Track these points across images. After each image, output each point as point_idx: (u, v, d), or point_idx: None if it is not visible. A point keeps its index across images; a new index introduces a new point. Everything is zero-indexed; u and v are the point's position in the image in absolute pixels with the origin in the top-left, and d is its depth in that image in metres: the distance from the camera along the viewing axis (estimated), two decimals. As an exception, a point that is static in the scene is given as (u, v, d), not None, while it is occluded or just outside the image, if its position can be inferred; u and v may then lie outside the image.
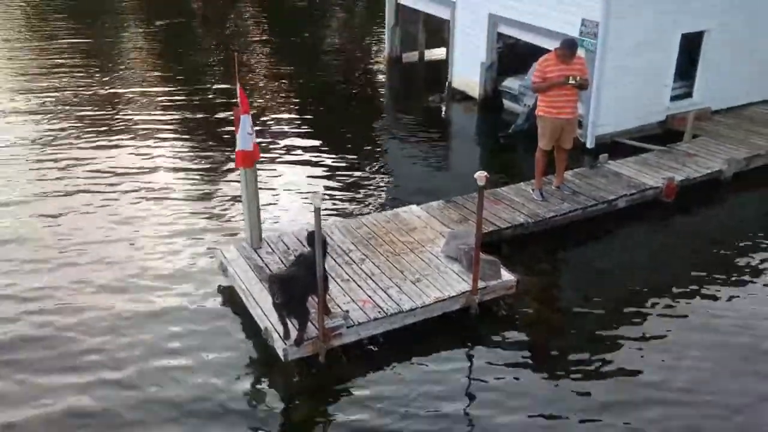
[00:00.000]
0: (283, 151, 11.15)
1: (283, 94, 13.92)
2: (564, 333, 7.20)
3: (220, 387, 6.27)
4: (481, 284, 7.09)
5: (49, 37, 17.91)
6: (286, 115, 12.76)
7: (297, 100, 13.51)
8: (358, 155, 11.24)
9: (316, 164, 10.74)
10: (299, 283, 6.19)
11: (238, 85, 7.04)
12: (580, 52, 9.42)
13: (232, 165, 10.61)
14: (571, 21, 10.63)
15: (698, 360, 6.67)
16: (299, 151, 11.18)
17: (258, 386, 6.44)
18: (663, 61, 11.12)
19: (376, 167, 10.95)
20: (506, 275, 7.33)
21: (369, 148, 11.83)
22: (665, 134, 11.39)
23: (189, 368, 6.49)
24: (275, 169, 10.47)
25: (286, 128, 12.16)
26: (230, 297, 7.46)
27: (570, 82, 8.35)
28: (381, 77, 15.64)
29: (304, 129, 12.02)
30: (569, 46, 8.42)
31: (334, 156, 11.06)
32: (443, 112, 13.69)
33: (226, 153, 10.91)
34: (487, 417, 5.98)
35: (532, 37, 11.69)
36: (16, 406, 6.02)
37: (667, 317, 7.30)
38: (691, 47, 11.46)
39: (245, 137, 7.16)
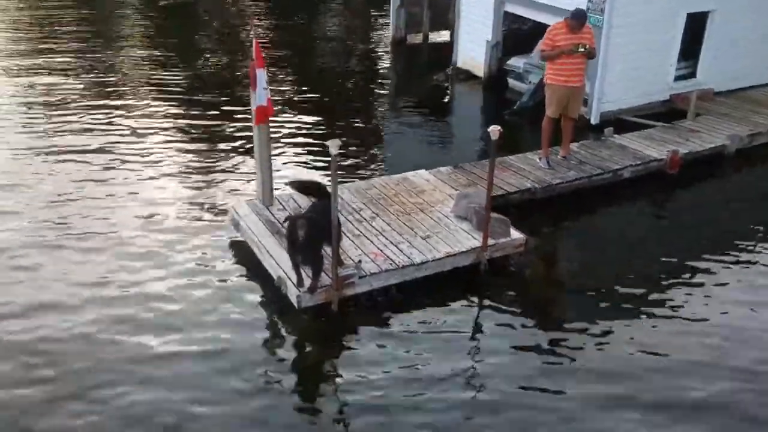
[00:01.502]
0: (289, 126, 11.21)
1: (287, 75, 13.96)
2: (567, 293, 7.34)
3: (232, 337, 6.36)
4: (490, 241, 7.20)
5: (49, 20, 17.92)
6: (290, 95, 12.80)
7: (301, 80, 13.54)
8: (363, 130, 11.35)
9: (320, 137, 10.80)
10: (317, 227, 6.28)
11: (254, 41, 7.14)
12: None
13: (237, 126, 10.79)
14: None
15: (698, 328, 6.67)
16: (305, 127, 11.21)
17: (271, 335, 6.55)
18: (668, 40, 11.24)
19: (381, 142, 11.06)
20: (515, 233, 7.45)
21: (374, 123, 11.93)
22: (668, 113, 11.49)
23: (203, 319, 6.56)
24: (281, 143, 10.56)
25: (290, 107, 12.22)
26: (241, 251, 7.55)
27: (579, 50, 8.48)
28: (385, 58, 15.72)
29: (309, 106, 12.04)
30: (579, 15, 8.53)
31: (339, 130, 11.13)
32: (448, 91, 13.78)
33: (234, 116, 11.04)
34: (490, 371, 6.05)
35: (539, 15, 11.80)
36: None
37: (668, 285, 7.36)
38: (696, 28, 11.59)
39: (261, 92, 7.25)
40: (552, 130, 9.16)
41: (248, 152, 10.04)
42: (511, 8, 12.55)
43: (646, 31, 10.89)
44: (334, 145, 6.02)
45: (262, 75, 7.18)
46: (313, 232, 6.22)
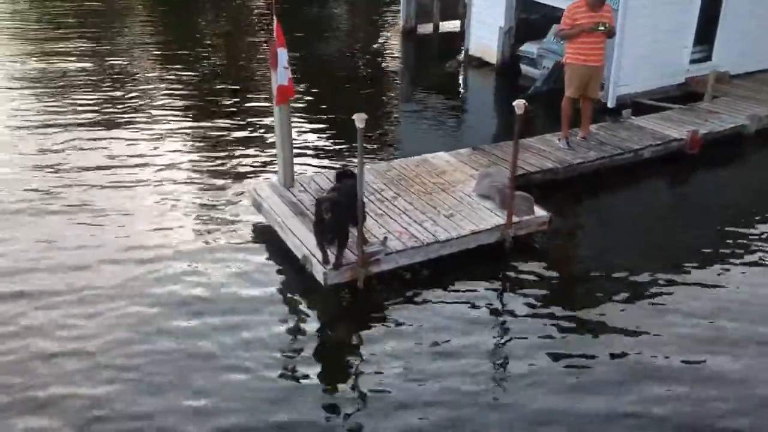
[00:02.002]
0: (301, 112, 11.16)
1: (299, 64, 13.93)
2: (590, 272, 7.22)
3: (258, 316, 6.31)
4: (514, 219, 7.15)
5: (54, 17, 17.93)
6: (300, 82, 12.76)
7: (311, 68, 13.48)
8: (376, 117, 11.24)
9: (333, 123, 10.76)
10: (343, 206, 6.25)
11: (274, 19, 7.09)
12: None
13: (249, 110, 10.77)
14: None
15: (716, 312, 6.55)
16: (317, 114, 11.13)
17: (297, 312, 6.50)
18: (683, 22, 11.18)
19: (396, 127, 11.02)
20: (539, 211, 7.39)
21: (387, 109, 11.88)
22: (685, 96, 11.43)
23: (227, 298, 6.51)
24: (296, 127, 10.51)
25: (300, 96, 12.18)
26: (263, 232, 7.52)
27: (600, 28, 8.42)
28: (396, 47, 15.66)
29: (320, 94, 11.98)
30: (599, -7, 8.49)
31: (350, 118, 11.06)
32: (460, 77, 13.73)
33: (248, 103, 11.00)
34: (513, 351, 6.00)
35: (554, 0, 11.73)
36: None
37: (690, 265, 7.23)
38: (711, 10, 11.51)
39: (282, 72, 7.21)
40: (572, 111, 9.11)
41: (263, 136, 10.13)
42: (523, -7, 12.52)
43: (661, 12, 10.83)
44: (360, 119, 5.98)
45: (283, 54, 7.13)
46: (339, 211, 6.21)
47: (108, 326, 6.11)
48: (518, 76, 12.84)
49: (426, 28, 16.42)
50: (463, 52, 14.11)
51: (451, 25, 16.53)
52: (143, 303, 6.42)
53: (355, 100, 11.78)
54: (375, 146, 9.94)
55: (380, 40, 16.25)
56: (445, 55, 14.61)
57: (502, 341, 6.14)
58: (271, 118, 10.59)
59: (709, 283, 6.93)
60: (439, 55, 15.11)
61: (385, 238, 6.70)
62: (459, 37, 15.31)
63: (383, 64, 14.42)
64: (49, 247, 7.24)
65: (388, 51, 15.39)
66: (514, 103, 6.56)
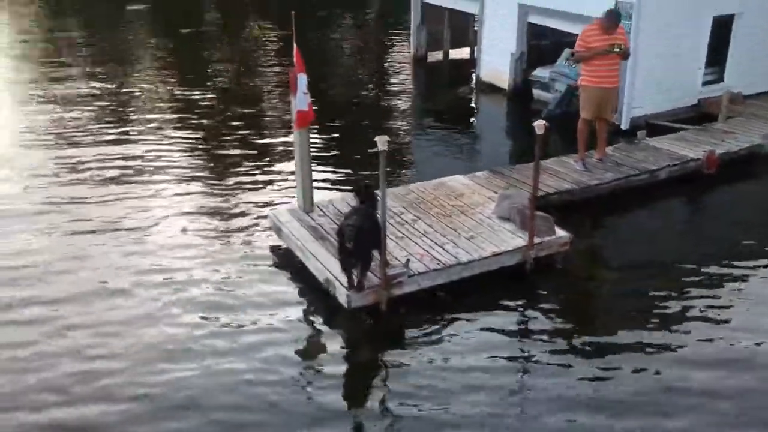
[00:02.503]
0: (316, 138, 11.24)
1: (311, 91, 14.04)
2: (613, 295, 7.16)
3: (282, 338, 6.28)
4: (535, 240, 7.13)
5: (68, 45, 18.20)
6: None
7: (323, 96, 13.61)
8: (390, 141, 11.25)
9: (347, 147, 10.81)
10: (366, 230, 6.26)
11: (294, 45, 7.17)
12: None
13: (264, 137, 10.83)
14: (605, 3, 10.75)
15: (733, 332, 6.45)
16: (330, 140, 11.23)
17: (320, 336, 6.48)
18: (695, 43, 11.25)
19: (410, 152, 11.08)
20: (560, 232, 7.37)
21: (401, 134, 11.91)
22: (698, 118, 11.44)
23: (250, 323, 6.49)
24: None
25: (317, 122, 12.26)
26: (282, 257, 7.55)
27: (615, 50, 8.48)
28: (407, 74, 15.79)
29: (334, 121, 12.06)
30: (613, 15, 8.56)
31: (364, 144, 11.11)
32: (472, 103, 13.80)
33: (262, 129, 11.07)
34: (537, 371, 5.92)
35: (563, 24, 11.84)
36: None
37: (713, 288, 7.12)
38: (722, 31, 11.59)
39: (302, 97, 7.28)
40: (588, 133, 9.13)
41: (278, 161, 10.25)
42: (534, 19, 12.61)
43: (673, 34, 10.91)
44: (382, 141, 6.02)
45: (302, 79, 7.21)
46: (362, 237, 6.21)
47: (132, 346, 6.11)
48: (530, 101, 12.90)
49: (436, 56, 16.57)
50: (474, 77, 14.22)
51: (461, 53, 16.68)
52: (165, 324, 6.43)
53: (367, 126, 11.85)
54: (391, 170, 9.95)
55: (391, 67, 16.39)
56: (456, 81, 14.75)
57: (526, 362, 6.07)
58: (282, 147, 10.95)
59: (726, 303, 6.84)
60: (450, 81, 15.25)
61: (408, 260, 6.69)
62: (469, 64, 15.50)
63: (395, 91, 14.52)
64: (69, 269, 7.30)
65: (399, 77, 15.51)
66: (534, 124, 6.59)
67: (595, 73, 8.70)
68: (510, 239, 7.22)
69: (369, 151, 10.29)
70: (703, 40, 11.32)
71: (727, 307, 6.78)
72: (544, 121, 6.57)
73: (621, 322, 6.57)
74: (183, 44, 18.62)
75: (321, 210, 7.88)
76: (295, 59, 7.18)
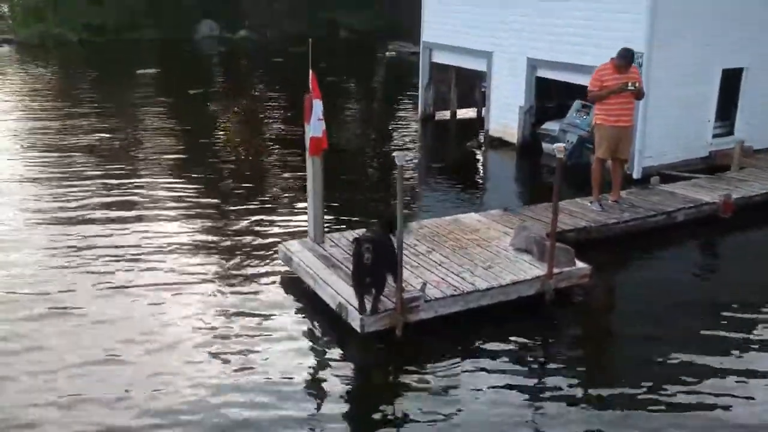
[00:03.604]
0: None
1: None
2: (631, 333, 6.79)
3: (294, 365, 6.01)
4: (555, 270, 6.90)
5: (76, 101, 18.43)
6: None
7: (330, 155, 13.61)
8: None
9: (357, 202, 10.73)
10: (382, 249, 6.05)
11: (310, 71, 7.14)
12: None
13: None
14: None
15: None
16: (341, 199, 11.01)
17: (333, 362, 6.16)
18: (705, 95, 11.31)
19: (418, 202, 10.94)
20: (581, 264, 7.15)
21: (409, 185, 11.82)
22: (709, 169, 11.37)
23: (261, 352, 6.20)
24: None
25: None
26: (293, 286, 7.31)
27: (629, 87, 8.47)
28: (415, 131, 15.85)
29: (343, 174, 12.02)
30: (626, 55, 8.59)
31: (373, 194, 11.09)
32: (481, 157, 13.79)
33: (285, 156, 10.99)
34: (552, 407, 5.56)
35: (571, 77, 11.93)
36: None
37: (732, 332, 6.72)
38: (732, 85, 11.67)
39: (316, 123, 7.20)
40: (602, 173, 9.04)
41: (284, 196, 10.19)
42: (544, 73, 12.74)
43: (683, 85, 10.97)
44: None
45: (318, 106, 7.14)
46: (379, 253, 6.01)
47: (138, 373, 5.82)
48: (540, 154, 12.86)
49: (443, 115, 16.70)
50: (483, 132, 14.26)
51: (468, 113, 16.81)
52: (176, 352, 6.16)
53: (376, 179, 11.80)
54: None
55: (399, 126, 16.46)
56: (464, 137, 14.78)
57: (540, 395, 5.71)
58: (290, 180, 10.92)
59: (743, 349, 6.44)
60: (458, 137, 15.29)
61: (424, 283, 6.44)
62: (477, 123, 15.59)
63: (402, 146, 14.54)
64: (78, 291, 7.05)
65: (407, 134, 15.55)
66: (553, 146, 6.51)
67: (609, 112, 8.67)
68: (528, 269, 7.00)
69: (377, 196, 10.40)
70: (712, 92, 11.38)
71: (745, 351, 6.38)
72: (563, 144, 6.46)
73: (637, 362, 6.22)
74: (191, 101, 18.84)
75: (332, 241, 7.68)
76: (311, 85, 7.14)
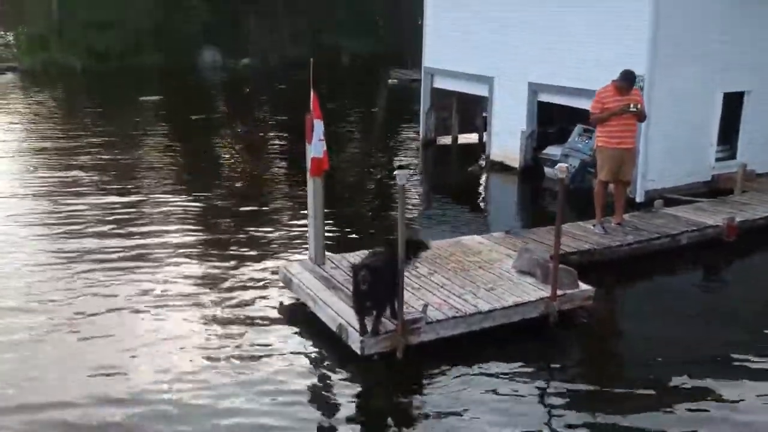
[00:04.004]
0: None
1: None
2: (635, 358, 6.67)
3: (294, 388, 5.88)
4: (558, 292, 6.80)
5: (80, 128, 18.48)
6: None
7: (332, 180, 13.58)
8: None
9: (359, 220, 10.66)
10: (382, 272, 5.97)
11: (311, 91, 7.12)
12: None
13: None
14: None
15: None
16: (342, 222, 10.97)
17: (332, 386, 6.03)
18: (707, 119, 11.31)
19: (420, 222, 10.89)
20: (584, 285, 7.06)
21: (411, 208, 11.78)
22: (712, 193, 11.32)
23: (260, 374, 6.08)
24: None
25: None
26: (293, 310, 7.21)
27: (631, 109, 8.45)
28: (417, 155, 15.85)
29: (346, 199, 12.04)
30: (628, 77, 8.58)
31: (375, 220, 11.03)
32: (483, 181, 13.74)
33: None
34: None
35: (575, 101, 11.92)
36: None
37: (741, 361, 6.57)
38: (733, 108, 11.67)
39: (317, 144, 7.16)
40: (605, 196, 9.00)
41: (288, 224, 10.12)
42: (544, 97, 12.75)
43: (685, 109, 10.99)
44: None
45: (319, 126, 7.11)
46: (378, 277, 5.93)
47: (147, 391, 5.73)
48: (542, 178, 12.82)
49: (445, 140, 16.70)
50: (484, 157, 14.24)
51: (470, 138, 16.81)
52: (174, 374, 6.04)
53: (377, 201, 11.76)
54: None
55: (400, 151, 16.48)
56: (466, 162, 14.75)
57: (544, 419, 5.58)
58: (291, 201, 10.88)
59: (748, 374, 6.29)
60: (460, 162, 15.28)
61: (426, 305, 6.35)
62: (478, 148, 15.55)
63: (406, 170, 14.48)
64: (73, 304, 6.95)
65: (409, 159, 15.57)
66: (556, 167, 6.45)
67: (611, 135, 8.64)
68: (532, 291, 6.91)
69: (379, 218, 10.35)
70: (714, 116, 11.38)
71: (750, 379, 6.22)
72: (566, 165, 6.41)
73: (643, 385, 6.04)
74: (193, 127, 18.91)
75: (333, 263, 7.60)
76: (312, 105, 7.11)
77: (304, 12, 35.71)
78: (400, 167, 13.55)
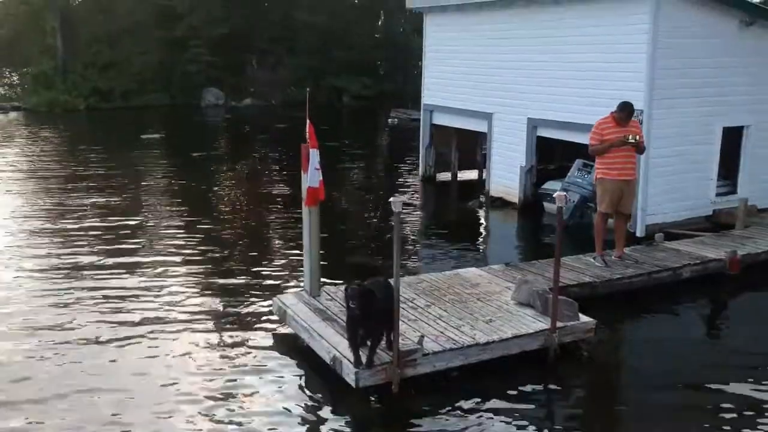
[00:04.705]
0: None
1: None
2: (639, 393, 6.44)
3: (285, 424, 5.70)
4: (559, 324, 6.65)
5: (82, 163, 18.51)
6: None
7: (330, 214, 13.56)
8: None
9: (356, 252, 10.54)
10: (377, 299, 5.83)
11: (308, 122, 7.08)
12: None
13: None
14: (615, 111, 10.89)
15: None
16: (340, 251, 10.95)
17: (325, 420, 5.84)
18: (706, 153, 11.24)
19: (418, 256, 10.77)
20: (585, 318, 6.90)
21: (409, 242, 11.67)
22: (713, 228, 11.19)
23: (253, 408, 5.92)
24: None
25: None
26: (285, 343, 7.06)
27: (630, 140, 8.39)
28: (416, 191, 15.77)
29: (345, 233, 11.98)
30: (627, 108, 8.55)
31: (375, 254, 10.91)
32: (482, 217, 13.64)
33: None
34: None
35: (574, 136, 11.88)
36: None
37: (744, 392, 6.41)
38: (733, 143, 11.63)
39: (313, 173, 7.09)
40: (605, 228, 8.88)
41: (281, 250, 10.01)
42: (543, 132, 12.73)
43: (684, 144, 10.93)
44: (397, 203, 5.74)
45: (314, 155, 7.05)
46: (373, 303, 5.79)
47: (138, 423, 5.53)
48: (541, 214, 12.73)
49: (444, 177, 16.65)
50: (484, 192, 14.18)
51: (469, 175, 16.77)
52: (165, 411, 5.86)
53: (374, 233, 11.67)
54: (401, 266, 9.58)
55: (400, 187, 16.40)
56: (465, 198, 14.69)
57: None
58: (288, 234, 10.81)
59: (752, 410, 6.07)
60: (459, 198, 15.21)
61: (422, 336, 6.19)
62: (478, 184, 15.49)
63: (404, 206, 14.44)
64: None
65: (408, 195, 15.49)
66: (554, 195, 6.36)
67: (611, 166, 8.56)
68: (531, 323, 6.75)
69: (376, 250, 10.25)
70: (714, 150, 11.31)
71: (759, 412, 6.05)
72: (564, 193, 6.33)
73: (645, 420, 5.91)
74: (194, 163, 18.93)
75: (328, 295, 7.47)
76: (308, 134, 7.06)
77: (306, 54, 36.14)
78: (397, 196, 13.50)
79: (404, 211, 13.71)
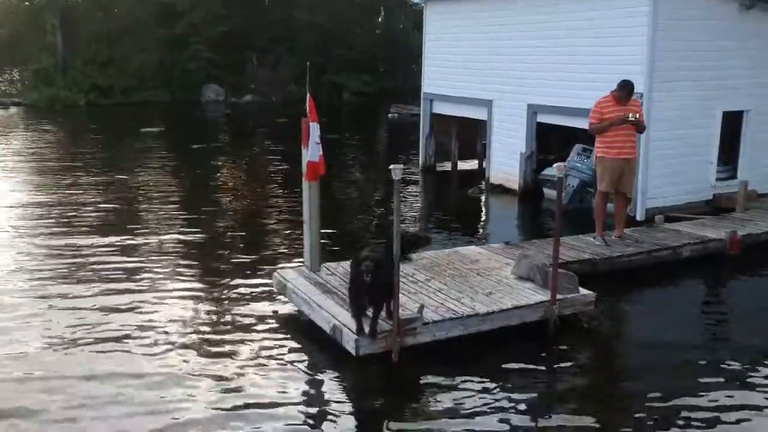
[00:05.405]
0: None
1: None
2: (637, 367, 6.46)
3: (288, 393, 5.70)
4: (559, 296, 6.65)
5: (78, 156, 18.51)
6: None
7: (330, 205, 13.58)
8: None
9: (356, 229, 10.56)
10: (383, 267, 5.82)
11: (308, 96, 7.08)
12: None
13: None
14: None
15: None
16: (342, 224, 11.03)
17: (327, 387, 5.86)
18: (706, 137, 11.25)
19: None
20: (585, 290, 6.90)
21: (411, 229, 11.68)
22: (713, 213, 11.19)
23: (257, 377, 5.93)
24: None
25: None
26: (288, 316, 7.08)
27: (630, 118, 8.39)
28: (417, 181, 15.76)
29: (344, 220, 11.98)
30: (627, 86, 8.54)
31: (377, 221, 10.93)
32: (483, 204, 13.64)
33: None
34: None
35: (574, 121, 11.88)
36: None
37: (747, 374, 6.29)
38: (733, 128, 11.63)
39: (314, 147, 7.09)
40: (605, 207, 8.89)
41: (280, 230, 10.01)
42: (543, 118, 12.73)
43: (684, 128, 10.93)
44: (397, 170, 5.74)
45: (315, 129, 7.04)
46: (378, 273, 5.78)
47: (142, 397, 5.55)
48: (541, 199, 12.73)
49: (445, 166, 16.65)
50: (484, 181, 14.17)
51: (469, 164, 16.77)
52: (167, 384, 5.87)
53: (375, 218, 11.68)
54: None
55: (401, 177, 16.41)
56: (465, 186, 14.69)
57: (541, 425, 5.38)
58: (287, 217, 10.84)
59: (748, 382, 6.05)
60: (460, 186, 15.18)
61: (421, 306, 6.19)
62: (478, 174, 15.49)
63: (405, 194, 14.41)
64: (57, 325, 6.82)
65: (409, 184, 15.47)
66: (554, 165, 6.36)
67: (611, 145, 8.56)
68: (531, 295, 6.75)
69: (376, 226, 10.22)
70: (713, 134, 11.32)
71: (748, 387, 5.97)
72: (563, 164, 6.33)
73: (645, 392, 5.82)
74: (193, 155, 18.97)
75: (328, 270, 7.47)
76: (308, 108, 7.06)
77: (306, 51, 36.16)
78: (396, 164, 13.50)
79: (404, 200, 13.76)
